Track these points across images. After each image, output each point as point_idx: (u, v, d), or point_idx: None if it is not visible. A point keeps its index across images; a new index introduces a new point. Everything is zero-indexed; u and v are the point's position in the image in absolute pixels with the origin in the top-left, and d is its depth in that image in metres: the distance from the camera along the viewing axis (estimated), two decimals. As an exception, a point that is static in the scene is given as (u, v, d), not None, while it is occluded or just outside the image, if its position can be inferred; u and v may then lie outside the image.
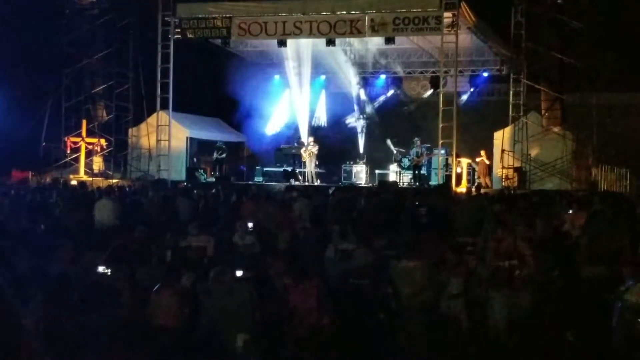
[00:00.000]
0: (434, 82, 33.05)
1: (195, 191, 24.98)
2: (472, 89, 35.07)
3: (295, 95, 35.86)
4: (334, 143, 34.59)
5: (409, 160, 31.83)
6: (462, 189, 27.76)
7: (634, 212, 14.14)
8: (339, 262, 12.17)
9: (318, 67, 35.74)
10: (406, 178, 32.23)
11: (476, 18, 28.32)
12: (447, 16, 27.44)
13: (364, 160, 33.80)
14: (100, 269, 10.61)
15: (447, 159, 30.03)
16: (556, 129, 29.76)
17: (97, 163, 33.13)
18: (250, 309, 9.59)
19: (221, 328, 9.36)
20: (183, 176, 31.85)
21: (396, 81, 36.12)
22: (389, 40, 29.10)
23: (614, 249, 11.15)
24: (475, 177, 31.43)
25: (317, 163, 32.65)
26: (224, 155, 33.50)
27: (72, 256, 11.41)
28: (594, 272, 11.10)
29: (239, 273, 10.51)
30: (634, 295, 8.12)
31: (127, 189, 24.63)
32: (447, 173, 29.93)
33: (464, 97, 34.60)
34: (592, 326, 9.91)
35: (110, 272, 10.50)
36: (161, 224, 17.71)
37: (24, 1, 31.83)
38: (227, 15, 29.47)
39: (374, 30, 28.35)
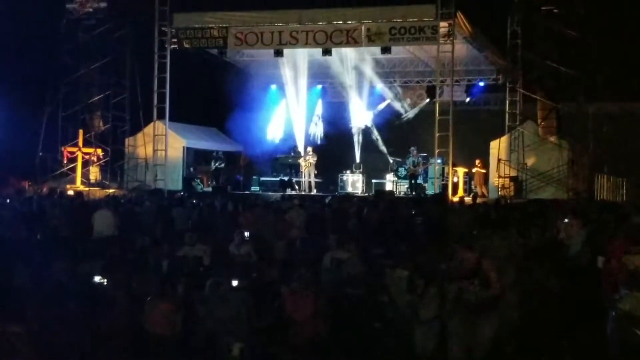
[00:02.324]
0: (430, 92, 33.10)
1: (194, 201, 25.04)
2: (468, 99, 35.08)
3: (292, 105, 35.85)
4: (330, 152, 34.58)
5: (405, 169, 31.87)
6: (458, 198, 27.79)
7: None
8: (335, 271, 12.21)
9: (314, 76, 35.75)
10: (403, 187, 32.25)
11: (472, 28, 28.38)
12: (443, 26, 27.49)
13: (361, 170, 33.74)
14: (97, 278, 10.63)
15: (443, 168, 30.02)
16: (552, 138, 29.81)
17: (94, 173, 33.09)
18: (246, 318, 9.62)
19: (217, 337, 9.39)
20: (180, 186, 31.85)
21: (392, 91, 36.12)
22: (385, 50, 29.15)
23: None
24: (472, 186, 31.47)
25: (316, 173, 32.66)
26: (222, 165, 33.52)
27: (69, 266, 11.43)
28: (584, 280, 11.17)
29: (234, 282, 10.54)
30: (628, 303, 8.16)
31: (122, 200, 24.56)
32: (444, 182, 29.91)
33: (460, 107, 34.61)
34: (587, 334, 9.94)
35: (107, 281, 10.52)
36: (158, 233, 17.74)
37: (21, 11, 31.87)
38: (224, 25, 29.50)
39: (371, 40, 28.39)
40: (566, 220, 15.08)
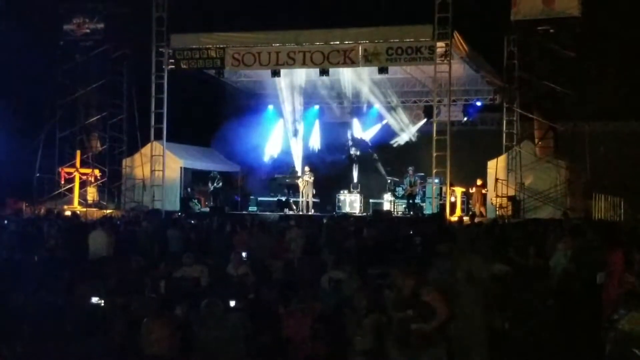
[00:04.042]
0: (428, 112, 33.12)
1: (192, 221, 25.03)
2: (465, 118, 35.11)
3: (289, 125, 35.91)
4: (327, 172, 34.55)
5: (403, 189, 31.88)
6: (457, 217, 27.79)
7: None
8: (333, 291, 12.17)
9: (312, 97, 35.80)
10: (400, 207, 32.26)
11: (469, 48, 28.45)
12: (440, 46, 27.55)
13: (358, 190, 33.74)
14: (94, 299, 10.60)
15: (441, 188, 30.02)
16: (550, 158, 29.85)
17: (91, 193, 33.14)
18: (243, 339, 9.57)
19: (214, 358, 9.34)
20: (177, 206, 31.81)
21: (390, 111, 36.14)
22: (382, 70, 29.17)
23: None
24: (470, 205, 31.46)
25: (314, 192, 32.63)
26: (220, 184, 33.52)
27: (66, 287, 11.40)
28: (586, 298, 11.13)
29: (232, 303, 10.50)
30: (627, 323, 8.12)
31: (118, 221, 24.53)
32: (441, 202, 29.93)
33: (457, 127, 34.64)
34: (586, 355, 9.90)
35: (104, 303, 10.48)
36: (155, 254, 17.71)
37: (18, 32, 31.95)
38: (221, 46, 29.54)
39: (367, 60, 28.44)
40: (563, 240, 15.07)
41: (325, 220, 24.56)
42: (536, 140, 30.57)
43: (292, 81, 33.42)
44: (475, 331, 8.98)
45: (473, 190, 31.05)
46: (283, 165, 36.03)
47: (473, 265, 9.42)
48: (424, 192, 31.47)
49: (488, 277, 9.78)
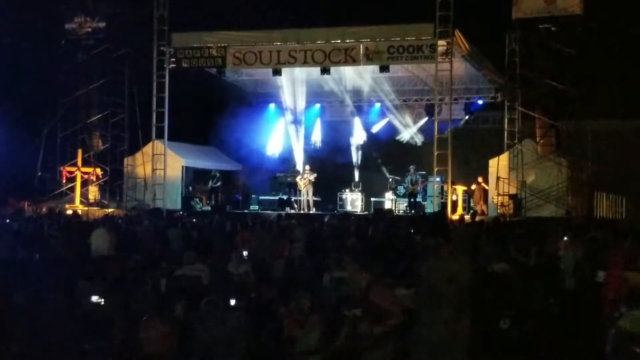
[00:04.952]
0: (429, 110, 33.08)
1: (193, 220, 25.03)
2: (466, 117, 35.07)
3: (290, 124, 35.91)
4: (329, 171, 34.55)
5: (404, 188, 31.87)
6: (458, 216, 27.77)
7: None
8: (335, 290, 12.15)
9: (313, 95, 35.76)
10: (402, 206, 32.25)
11: (470, 46, 28.41)
12: (441, 44, 27.53)
13: (360, 188, 33.75)
14: (94, 298, 10.59)
15: (442, 187, 29.98)
16: (551, 156, 29.83)
17: (93, 192, 33.13)
18: (243, 338, 9.56)
19: (214, 357, 9.33)
20: (178, 205, 31.81)
21: (391, 109, 36.10)
22: (384, 69, 29.20)
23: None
24: (471, 204, 31.45)
25: (313, 191, 32.62)
26: (219, 183, 33.50)
27: (67, 286, 11.40)
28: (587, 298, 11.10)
29: (232, 302, 10.49)
30: (628, 322, 8.11)
31: (120, 220, 24.52)
32: (443, 200, 29.89)
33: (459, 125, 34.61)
34: (586, 353, 9.89)
35: (104, 301, 10.48)
36: (156, 253, 17.70)
37: (19, 31, 31.97)
38: (222, 45, 29.53)
39: (369, 59, 28.43)
40: (565, 238, 15.07)
41: (326, 219, 24.57)
42: (538, 139, 30.56)
43: (293, 80, 33.40)
44: (456, 337, 8.24)
45: (474, 187, 31.05)
46: (284, 164, 36.05)
47: (457, 267, 8.58)
48: (426, 191, 31.45)
49: (470, 281, 8.79)
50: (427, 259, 8.88)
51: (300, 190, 32.55)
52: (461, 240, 16.60)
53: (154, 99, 30.74)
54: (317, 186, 32.71)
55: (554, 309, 10.78)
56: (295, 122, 35.61)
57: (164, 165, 31.08)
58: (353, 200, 32.99)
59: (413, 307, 8.76)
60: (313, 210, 31.88)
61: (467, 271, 8.76)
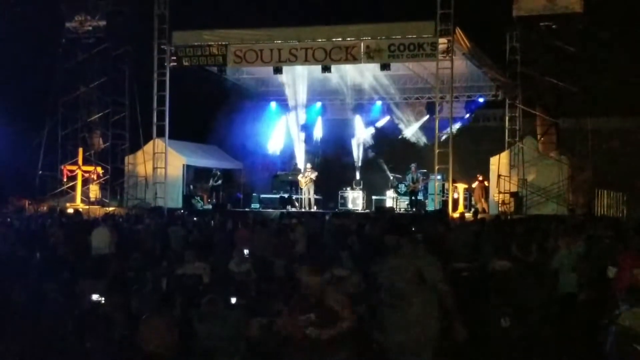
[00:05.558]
0: (430, 108, 33.07)
1: (194, 218, 25.02)
2: (467, 115, 35.06)
3: (292, 122, 35.90)
4: (330, 169, 34.56)
5: (405, 186, 31.87)
6: (459, 214, 27.76)
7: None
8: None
9: (314, 93, 35.73)
10: (403, 204, 32.24)
11: (471, 44, 28.40)
12: (442, 42, 27.50)
13: (361, 187, 33.74)
14: (95, 297, 10.58)
15: (443, 185, 29.98)
16: (552, 154, 29.83)
17: (94, 191, 33.13)
18: (244, 337, 9.55)
19: (214, 355, 9.33)
20: (179, 204, 31.81)
21: (392, 107, 36.10)
22: (385, 67, 29.18)
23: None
24: (472, 202, 31.45)
25: (314, 189, 32.59)
26: (220, 182, 33.48)
27: (67, 284, 11.40)
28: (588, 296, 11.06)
29: (233, 300, 10.48)
30: (628, 319, 8.10)
31: (121, 219, 24.51)
32: (444, 198, 29.89)
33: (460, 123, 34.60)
34: (586, 350, 9.88)
35: (105, 300, 10.47)
36: (157, 251, 17.70)
37: (20, 30, 31.97)
38: (223, 43, 29.50)
39: (370, 57, 28.40)
40: (566, 236, 15.02)
41: (328, 217, 24.56)
42: (538, 137, 30.57)
43: (294, 78, 33.38)
44: (421, 340, 7.99)
45: (475, 185, 31.05)
46: (285, 162, 36.05)
47: (422, 266, 8.35)
48: (427, 189, 31.45)
49: (442, 281, 8.69)
50: (386, 259, 8.78)
51: (301, 189, 32.53)
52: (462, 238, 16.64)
53: (155, 98, 30.73)
54: (318, 184, 32.69)
55: (555, 307, 10.75)
56: (296, 120, 35.58)
57: (164, 164, 31.06)
58: (354, 199, 32.99)
59: (369, 303, 8.85)
60: (314, 209, 31.86)
61: (435, 271, 8.61)
